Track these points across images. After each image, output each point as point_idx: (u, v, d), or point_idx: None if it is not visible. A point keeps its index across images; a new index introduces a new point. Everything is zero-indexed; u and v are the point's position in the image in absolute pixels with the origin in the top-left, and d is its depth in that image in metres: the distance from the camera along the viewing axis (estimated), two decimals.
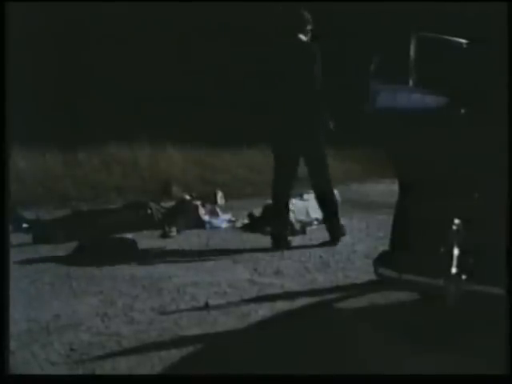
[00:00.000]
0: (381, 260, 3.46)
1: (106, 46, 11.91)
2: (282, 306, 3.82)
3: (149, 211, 6.17)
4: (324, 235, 5.56)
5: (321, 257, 5.00)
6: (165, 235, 5.85)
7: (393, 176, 3.67)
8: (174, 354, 3.11)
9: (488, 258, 2.96)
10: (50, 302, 3.91)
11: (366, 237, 5.70)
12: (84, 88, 11.62)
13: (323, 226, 5.81)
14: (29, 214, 6.33)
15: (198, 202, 6.48)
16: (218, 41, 12.43)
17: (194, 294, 4.06)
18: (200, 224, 6.25)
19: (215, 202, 7.00)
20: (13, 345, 3.05)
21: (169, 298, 3.98)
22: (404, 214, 3.41)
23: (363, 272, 4.36)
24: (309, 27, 5.37)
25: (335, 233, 5.42)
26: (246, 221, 6.32)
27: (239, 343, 3.28)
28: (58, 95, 11.03)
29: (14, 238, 5.30)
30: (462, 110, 3.34)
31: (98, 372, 2.92)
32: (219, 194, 7.31)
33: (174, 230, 5.91)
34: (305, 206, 6.15)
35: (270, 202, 6.26)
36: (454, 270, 2.99)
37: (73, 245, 5.22)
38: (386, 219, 4.24)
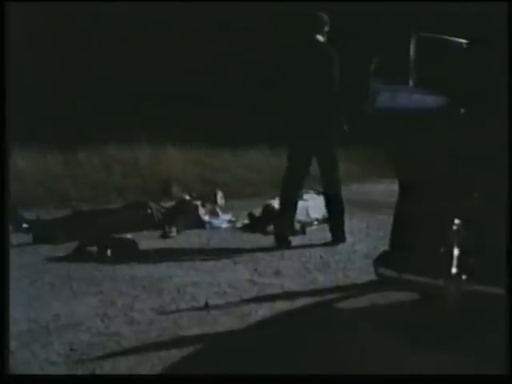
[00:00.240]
0: (381, 260, 3.46)
1: (106, 46, 11.91)
2: (281, 306, 3.82)
3: (149, 211, 6.17)
4: (324, 235, 5.56)
5: (321, 257, 5.00)
6: (165, 235, 5.84)
7: (393, 176, 3.67)
8: (174, 354, 3.11)
9: (488, 258, 2.96)
10: (50, 302, 3.91)
11: (366, 237, 5.70)
12: (84, 88, 11.62)
13: (323, 226, 5.82)
14: (29, 214, 6.33)
15: (198, 202, 6.47)
16: (217, 41, 12.43)
17: (193, 294, 4.06)
18: (200, 224, 6.25)
19: (215, 202, 7.00)
20: (13, 345, 3.05)
21: (169, 298, 3.98)
22: (404, 214, 3.41)
23: (363, 272, 4.36)
24: (326, 29, 5.37)
25: (338, 234, 5.42)
26: (246, 221, 6.32)
27: (239, 343, 3.28)
28: (58, 95, 11.03)
29: (14, 238, 5.30)
30: (462, 110, 3.34)
31: (98, 372, 2.92)
32: (219, 194, 7.30)
33: (173, 230, 5.91)
34: (305, 206, 6.15)
35: (269, 202, 6.28)
36: (453, 270, 2.99)
37: (73, 245, 5.22)
38: (386, 219, 4.24)
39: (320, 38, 5.34)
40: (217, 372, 2.85)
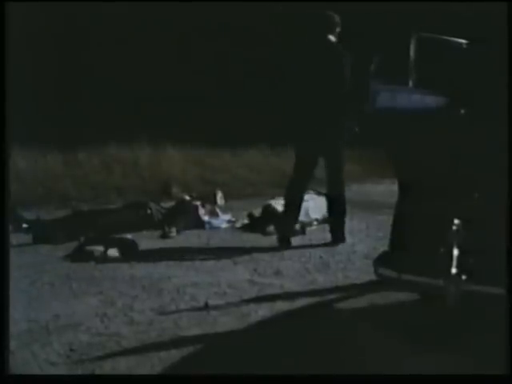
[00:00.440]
0: (381, 260, 3.46)
1: (106, 46, 11.91)
2: (281, 306, 3.82)
3: (149, 211, 6.17)
4: (324, 235, 5.56)
5: (321, 257, 4.99)
6: (165, 235, 5.84)
7: (393, 176, 3.67)
8: (174, 354, 3.11)
9: (488, 258, 2.96)
10: (50, 302, 3.91)
11: (366, 237, 5.70)
12: (84, 88, 11.62)
13: (323, 226, 5.81)
14: (29, 214, 6.33)
15: (198, 203, 6.47)
16: (218, 41, 12.43)
17: (193, 294, 4.06)
18: (200, 224, 6.25)
19: (215, 203, 7.00)
20: (13, 345, 3.05)
21: (168, 299, 3.98)
22: (404, 214, 3.40)
23: (363, 272, 4.36)
24: (338, 29, 5.36)
25: (338, 234, 5.42)
26: (246, 221, 6.32)
27: (239, 343, 3.28)
28: (58, 95, 11.04)
29: (14, 238, 5.30)
30: (462, 110, 3.34)
31: (98, 372, 2.92)
32: (219, 195, 7.31)
33: (173, 230, 5.91)
34: (305, 207, 6.13)
35: (269, 202, 6.28)
36: (453, 270, 2.99)
37: (73, 245, 5.22)
38: (385, 219, 4.24)
39: (332, 38, 5.33)
40: (217, 372, 2.85)
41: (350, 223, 5.78)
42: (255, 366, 2.96)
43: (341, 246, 5.34)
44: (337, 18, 5.38)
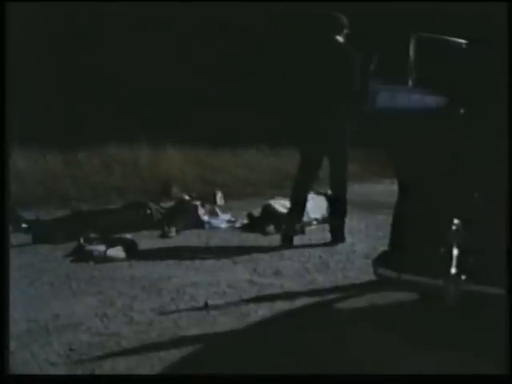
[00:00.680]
0: (380, 260, 3.46)
1: (106, 46, 11.91)
2: (281, 306, 3.82)
3: (148, 211, 6.17)
4: (323, 235, 5.56)
5: (320, 257, 4.99)
6: (164, 235, 5.84)
7: (393, 176, 3.67)
8: (174, 354, 3.11)
9: (488, 258, 2.96)
10: (50, 302, 3.91)
11: (366, 237, 5.70)
12: (84, 88, 11.62)
13: (323, 226, 5.81)
14: (29, 214, 6.33)
15: (198, 203, 6.47)
16: (218, 41, 12.43)
17: (193, 294, 4.06)
18: (199, 224, 6.25)
19: (215, 203, 7.00)
20: (13, 345, 3.05)
21: (168, 299, 3.98)
22: (403, 214, 3.40)
23: (363, 272, 4.35)
24: (345, 31, 5.36)
25: (337, 234, 5.43)
26: (246, 221, 6.32)
27: (239, 343, 3.28)
28: (58, 95, 11.03)
29: (14, 238, 5.30)
30: (462, 110, 3.34)
31: (98, 372, 2.92)
32: (219, 195, 7.31)
33: (173, 230, 5.91)
34: None
35: (269, 202, 6.28)
36: (453, 270, 2.99)
37: (73, 245, 5.22)
38: (385, 219, 4.24)
39: (339, 38, 5.32)
40: (217, 372, 2.85)
41: (350, 223, 5.78)
42: (255, 366, 2.96)
43: (340, 246, 5.34)
44: (345, 20, 5.37)
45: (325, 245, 5.39)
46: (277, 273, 4.57)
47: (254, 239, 5.73)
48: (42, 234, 5.63)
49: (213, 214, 6.54)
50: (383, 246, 3.65)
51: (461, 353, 2.99)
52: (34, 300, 3.94)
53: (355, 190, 7.67)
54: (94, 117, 10.79)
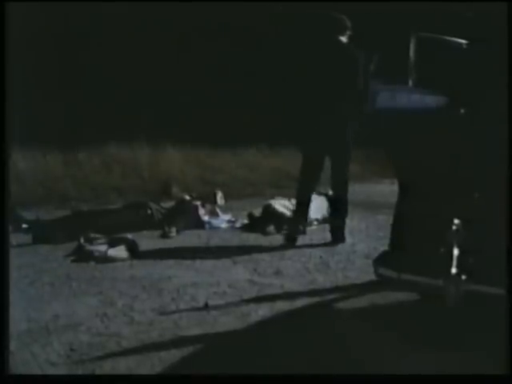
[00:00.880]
0: (381, 260, 3.46)
1: (106, 46, 11.91)
2: (281, 306, 3.82)
3: (149, 211, 6.17)
4: (324, 235, 5.56)
5: (321, 257, 5.00)
6: (164, 235, 5.84)
7: (393, 176, 3.67)
8: (174, 354, 3.11)
9: (488, 258, 2.96)
10: (50, 303, 3.91)
11: (366, 237, 5.70)
12: (84, 88, 11.62)
13: (323, 226, 5.81)
14: (29, 214, 6.33)
15: (198, 203, 6.47)
16: (218, 41, 12.43)
17: (193, 294, 4.06)
18: (200, 224, 6.25)
19: (215, 203, 7.00)
20: (13, 345, 3.05)
21: (168, 299, 3.98)
22: (404, 214, 3.40)
23: (363, 272, 4.36)
24: (348, 32, 5.35)
25: (338, 234, 5.43)
26: (246, 221, 6.32)
27: (239, 343, 3.28)
28: (58, 95, 11.03)
29: (14, 238, 5.30)
30: (462, 110, 3.34)
31: (98, 372, 2.92)
32: (219, 195, 7.31)
33: (173, 230, 5.91)
34: None
35: (269, 202, 6.29)
36: (453, 270, 2.99)
37: (73, 245, 5.22)
38: (386, 219, 4.25)
39: (342, 39, 5.32)
40: (217, 372, 2.85)
41: (350, 223, 5.79)
42: (255, 366, 2.96)
43: (341, 246, 5.34)
44: (347, 21, 5.37)
45: (325, 245, 5.40)
46: (277, 273, 4.58)
47: (254, 239, 5.74)
48: (42, 234, 5.63)
49: (213, 214, 6.54)
50: (383, 246, 3.65)
51: (461, 353, 2.99)
52: (35, 300, 3.94)
53: (356, 190, 7.68)
54: (94, 117, 10.79)
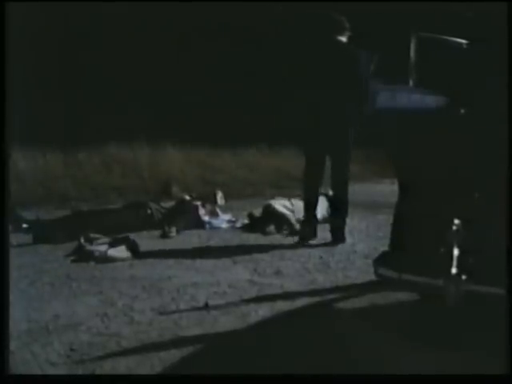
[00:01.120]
0: (381, 260, 3.46)
1: (105, 46, 11.91)
2: (281, 306, 3.82)
3: (149, 211, 6.17)
4: (324, 235, 5.56)
5: (321, 257, 5.00)
6: (165, 235, 5.85)
7: (393, 176, 3.67)
8: (174, 354, 3.11)
9: (488, 258, 2.96)
10: (50, 302, 3.91)
11: (366, 237, 5.71)
12: (84, 88, 11.63)
13: (323, 226, 5.81)
14: (29, 214, 6.33)
15: (198, 202, 6.47)
16: (218, 41, 12.44)
17: (193, 294, 4.06)
18: (200, 224, 6.25)
19: (215, 203, 7.01)
20: (13, 345, 3.05)
21: (169, 299, 3.98)
22: (404, 214, 3.40)
23: (363, 272, 4.36)
24: (348, 33, 5.35)
25: (338, 234, 5.43)
26: (246, 221, 6.32)
27: (239, 343, 3.28)
28: (58, 95, 11.04)
29: (14, 238, 5.30)
30: (462, 110, 3.34)
31: (98, 372, 2.92)
32: (219, 195, 7.31)
33: (173, 230, 5.91)
34: None
35: (269, 202, 6.29)
36: (453, 270, 2.99)
37: (73, 245, 5.22)
38: (386, 219, 4.25)
39: (342, 39, 5.32)
40: (217, 372, 2.85)
41: (350, 223, 5.79)
42: (255, 366, 2.96)
43: (341, 246, 5.34)
44: (346, 22, 5.37)
45: (325, 245, 5.40)
46: (277, 273, 4.58)
47: (254, 239, 5.74)
48: (42, 233, 5.63)
49: (213, 214, 6.54)
50: (384, 246, 3.65)
51: (461, 353, 2.99)
52: (35, 300, 3.94)
53: (356, 190, 7.69)
54: (93, 117, 10.80)
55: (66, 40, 11.76)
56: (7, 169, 2.58)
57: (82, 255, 5.00)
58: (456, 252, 3.01)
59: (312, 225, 5.54)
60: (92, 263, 4.84)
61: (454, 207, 3.10)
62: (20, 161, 8.14)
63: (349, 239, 5.49)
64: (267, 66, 11.63)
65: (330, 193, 5.74)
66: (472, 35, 3.84)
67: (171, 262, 4.90)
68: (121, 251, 5.03)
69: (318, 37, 5.49)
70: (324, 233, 5.60)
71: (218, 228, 6.27)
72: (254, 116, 11.27)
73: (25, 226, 6.01)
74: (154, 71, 11.93)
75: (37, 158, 8.82)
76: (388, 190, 6.36)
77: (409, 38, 3.51)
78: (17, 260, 4.62)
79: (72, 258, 5.02)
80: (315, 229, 5.58)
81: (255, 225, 6.11)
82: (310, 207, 5.53)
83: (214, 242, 5.68)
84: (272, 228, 5.96)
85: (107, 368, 2.96)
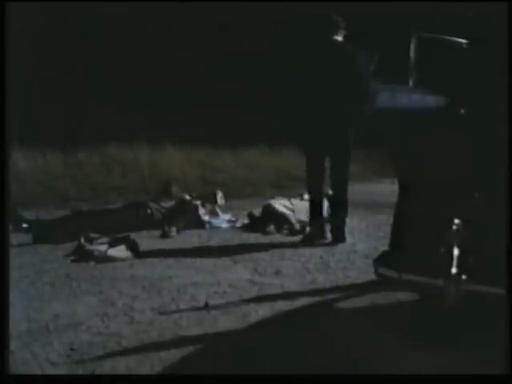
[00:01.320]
0: (381, 260, 3.46)
1: (106, 46, 11.92)
2: (282, 305, 3.82)
3: (149, 211, 6.17)
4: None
5: (321, 257, 5.00)
6: (165, 235, 5.85)
7: (393, 176, 3.67)
8: (174, 354, 3.11)
9: (488, 258, 2.96)
10: (50, 302, 3.91)
11: (366, 237, 5.71)
12: (84, 88, 11.63)
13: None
14: (29, 214, 6.33)
15: (198, 202, 6.48)
16: (218, 41, 12.45)
17: (193, 294, 4.06)
18: (200, 224, 6.25)
19: (215, 202, 7.01)
20: (13, 345, 3.05)
21: (169, 298, 3.98)
22: (404, 214, 3.40)
23: (363, 272, 4.36)
24: (343, 32, 5.35)
25: (338, 234, 5.43)
26: (246, 221, 6.33)
27: (239, 343, 3.28)
28: (58, 95, 11.04)
29: (14, 238, 5.31)
30: (462, 110, 3.34)
31: (98, 372, 2.92)
32: (219, 194, 7.32)
33: (173, 229, 5.91)
34: (305, 206, 6.15)
35: (269, 202, 6.30)
36: (453, 270, 2.99)
37: (73, 245, 5.22)
38: (386, 219, 4.24)
39: (338, 38, 5.32)
40: (217, 372, 2.85)
41: (351, 223, 5.79)
42: (255, 365, 2.96)
43: (341, 246, 5.34)
44: (342, 21, 5.37)
45: (325, 245, 5.40)
46: (277, 272, 4.58)
47: (254, 239, 5.74)
48: (42, 233, 5.63)
49: (213, 213, 6.55)
50: (384, 246, 3.65)
51: (461, 353, 3.00)
52: (35, 300, 3.94)
53: (356, 190, 7.69)
54: (94, 117, 10.80)
55: (66, 40, 11.77)
56: (7, 169, 2.58)
57: (82, 255, 5.01)
58: (456, 252, 3.01)
59: (320, 225, 5.53)
60: (92, 263, 4.85)
61: (454, 207, 3.10)
62: (20, 161, 8.15)
63: (349, 239, 5.49)
64: (267, 65, 11.63)
65: (330, 192, 5.74)
66: (472, 35, 3.84)
67: (171, 261, 4.90)
68: (121, 251, 5.03)
69: (318, 37, 5.49)
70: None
71: (218, 228, 6.27)
72: (254, 116, 11.27)
73: (25, 225, 6.02)
74: (154, 71, 11.93)
75: (37, 157, 8.83)
76: (388, 189, 6.35)
77: (409, 37, 3.51)
78: (17, 260, 4.62)
79: (72, 257, 5.03)
80: (323, 229, 5.55)
81: (255, 224, 6.12)
82: (316, 208, 5.52)
83: (214, 241, 5.69)
84: (272, 228, 5.96)
85: (107, 368, 2.96)
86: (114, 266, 4.76)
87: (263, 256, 5.05)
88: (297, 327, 3.49)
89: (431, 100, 3.53)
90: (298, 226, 5.93)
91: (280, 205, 6.18)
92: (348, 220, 5.57)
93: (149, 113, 11.33)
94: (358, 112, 5.14)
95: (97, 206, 6.99)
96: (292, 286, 4.26)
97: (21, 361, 3.02)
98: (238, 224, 6.36)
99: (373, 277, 3.53)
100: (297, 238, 5.64)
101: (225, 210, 6.87)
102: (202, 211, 6.39)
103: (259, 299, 3.96)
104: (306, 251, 5.19)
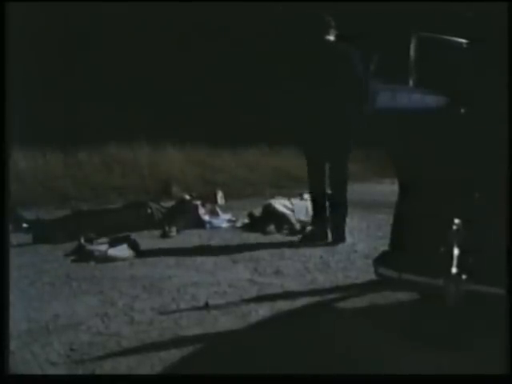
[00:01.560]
0: (381, 260, 3.46)
1: (105, 46, 11.92)
2: (282, 305, 3.82)
3: (149, 211, 6.17)
4: None
5: (321, 257, 5.00)
6: (165, 235, 5.85)
7: (393, 176, 3.67)
8: (174, 354, 3.11)
9: (488, 258, 2.96)
10: (50, 302, 3.91)
11: (366, 237, 5.71)
12: (84, 88, 11.63)
13: None
14: (29, 214, 6.34)
15: (198, 202, 6.48)
16: (218, 41, 12.45)
17: (194, 293, 4.06)
18: (200, 224, 6.26)
19: (215, 202, 7.01)
20: (13, 345, 3.05)
21: (169, 298, 3.98)
22: (404, 213, 3.40)
23: (363, 272, 4.36)
24: (333, 31, 5.35)
25: (338, 234, 5.43)
26: (246, 220, 6.33)
27: (239, 343, 3.28)
28: (58, 95, 11.04)
29: (14, 238, 5.31)
30: (462, 110, 3.34)
31: (98, 372, 2.92)
32: (219, 194, 7.32)
33: (173, 229, 5.91)
34: (305, 206, 6.16)
35: (269, 201, 6.30)
36: (454, 270, 2.99)
37: (73, 245, 5.22)
38: (386, 219, 4.25)
39: (332, 38, 5.32)
40: (217, 372, 2.85)
41: (351, 223, 5.79)
42: (255, 365, 2.96)
43: (341, 246, 5.34)
44: (332, 21, 5.37)
45: (325, 244, 5.40)
46: (277, 272, 4.58)
47: (254, 239, 5.74)
48: (42, 233, 5.64)
49: (213, 213, 6.55)
50: (384, 246, 3.65)
51: (461, 353, 3.00)
52: (35, 300, 3.94)
53: (356, 190, 7.69)
54: (94, 117, 10.80)
55: (66, 40, 11.77)
56: (7, 169, 2.58)
57: (81, 255, 5.01)
58: (456, 252, 3.01)
59: (323, 225, 5.52)
60: (92, 263, 4.85)
61: (454, 207, 3.10)
62: (20, 161, 8.15)
63: (349, 239, 5.49)
64: (267, 65, 11.63)
65: (330, 192, 5.74)
66: (472, 35, 3.84)
67: (171, 261, 4.90)
68: (121, 251, 5.03)
69: (312, 37, 5.50)
70: None
71: (218, 227, 6.27)
72: (253, 116, 11.27)
73: (25, 225, 6.02)
74: (154, 71, 11.93)
75: (37, 157, 8.83)
76: (388, 189, 6.36)
77: (409, 37, 3.50)
78: (17, 260, 4.62)
79: (72, 257, 5.03)
80: (326, 231, 5.53)
81: (255, 224, 6.12)
82: (319, 207, 5.52)
83: (215, 241, 5.69)
84: (272, 227, 5.96)
85: (107, 368, 2.96)
86: (114, 266, 4.76)
87: (263, 256, 5.05)
88: (297, 327, 3.49)
89: (431, 100, 3.53)
90: (298, 226, 5.93)
91: (280, 205, 6.18)
92: (348, 220, 5.57)
93: (149, 113, 11.33)
94: (358, 112, 5.14)
95: (97, 206, 6.99)
96: (292, 285, 4.26)
97: (21, 361, 3.02)
98: (238, 224, 6.36)
99: (373, 277, 3.54)
100: (297, 238, 5.64)
101: (225, 209, 6.87)
102: (202, 211, 6.40)
103: (259, 299, 3.96)
104: (306, 251, 5.19)
